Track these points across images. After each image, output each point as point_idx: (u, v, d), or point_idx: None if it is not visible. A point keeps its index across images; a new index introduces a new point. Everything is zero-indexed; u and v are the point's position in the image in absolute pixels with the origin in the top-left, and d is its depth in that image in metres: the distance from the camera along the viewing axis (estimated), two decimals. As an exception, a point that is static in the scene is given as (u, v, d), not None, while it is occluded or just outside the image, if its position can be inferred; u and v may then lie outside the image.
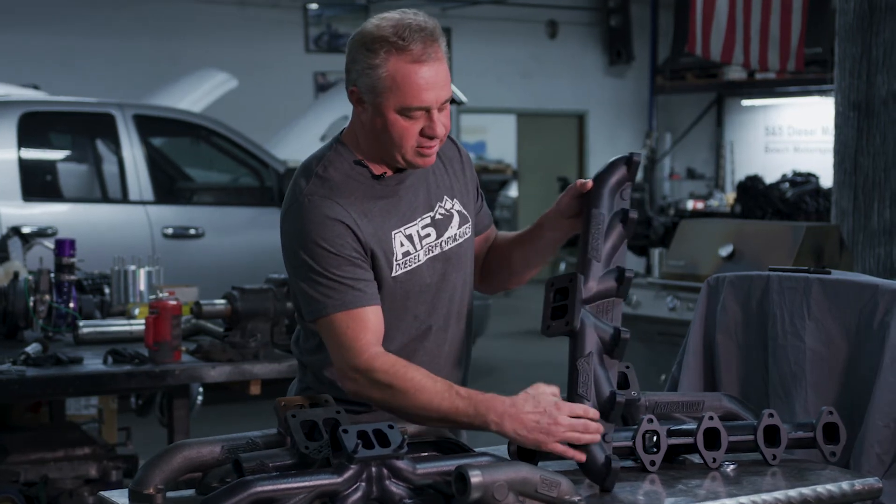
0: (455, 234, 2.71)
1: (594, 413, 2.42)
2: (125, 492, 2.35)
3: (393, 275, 2.60)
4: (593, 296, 2.58)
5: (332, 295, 2.52)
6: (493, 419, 2.42)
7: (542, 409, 2.41)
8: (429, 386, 2.45)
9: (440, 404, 2.44)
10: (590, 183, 2.69)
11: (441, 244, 2.68)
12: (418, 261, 2.64)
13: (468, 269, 2.76)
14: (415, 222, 2.65)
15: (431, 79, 2.53)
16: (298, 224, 2.56)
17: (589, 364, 2.48)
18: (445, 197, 2.72)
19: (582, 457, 2.39)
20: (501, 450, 2.53)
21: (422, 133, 2.56)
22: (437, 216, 2.69)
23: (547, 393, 2.44)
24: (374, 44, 2.52)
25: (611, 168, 2.72)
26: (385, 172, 2.63)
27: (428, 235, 2.66)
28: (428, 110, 2.55)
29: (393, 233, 2.61)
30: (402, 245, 2.62)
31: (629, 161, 2.71)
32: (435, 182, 2.72)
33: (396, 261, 2.60)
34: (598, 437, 2.40)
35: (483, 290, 2.95)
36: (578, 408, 2.41)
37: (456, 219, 2.72)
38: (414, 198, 2.67)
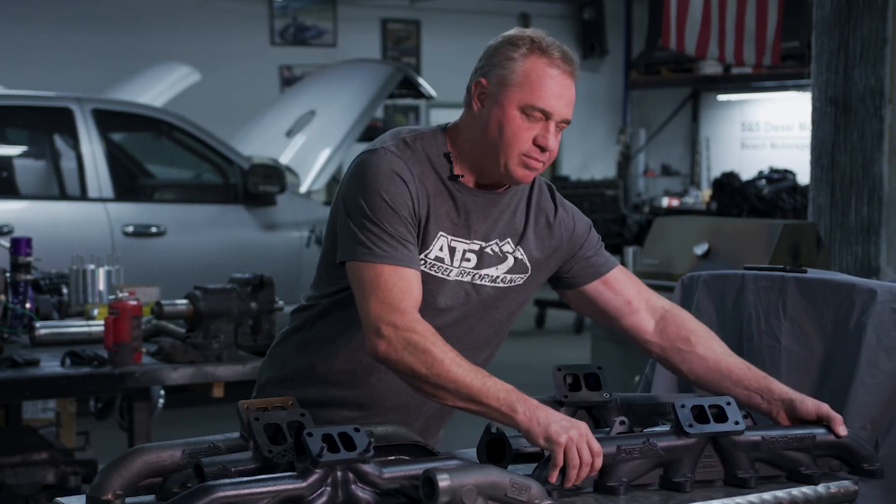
0: (497, 277, 2.69)
1: (598, 463, 2.37)
2: (83, 498, 2.34)
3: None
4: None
5: (383, 247, 2.52)
6: (524, 408, 2.39)
7: (573, 424, 2.38)
8: (464, 363, 2.44)
9: (473, 381, 2.41)
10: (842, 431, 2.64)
11: (474, 275, 2.66)
12: (447, 275, 2.63)
13: (498, 318, 2.74)
14: (463, 241, 2.64)
15: (563, 89, 2.60)
16: (366, 170, 2.57)
17: None
18: (508, 239, 2.70)
19: (553, 477, 2.34)
20: (470, 454, 2.53)
21: (534, 141, 2.58)
22: (489, 250, 2.67)
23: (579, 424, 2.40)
24: (518, 41, 2.60)
25: None
26: (461, 175, 2.64)
27: (468, 260, 2.65)
28: (548, 117, 2.58)
29: (440, 233, 2.62)
30: (440, 250, 2.62)
31: None
32: (508, 222, 2.71)
33: (427, 257, 2.60)
34: (582, 474, 2.35)
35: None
36: (598, 452, 2.36)
37: (508, 262, 2.70)
38: (477, 220, 2.66)
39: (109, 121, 8.00)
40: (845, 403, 3.18)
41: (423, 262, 2.59)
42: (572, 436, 2.33)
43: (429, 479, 2.14)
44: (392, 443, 2.44)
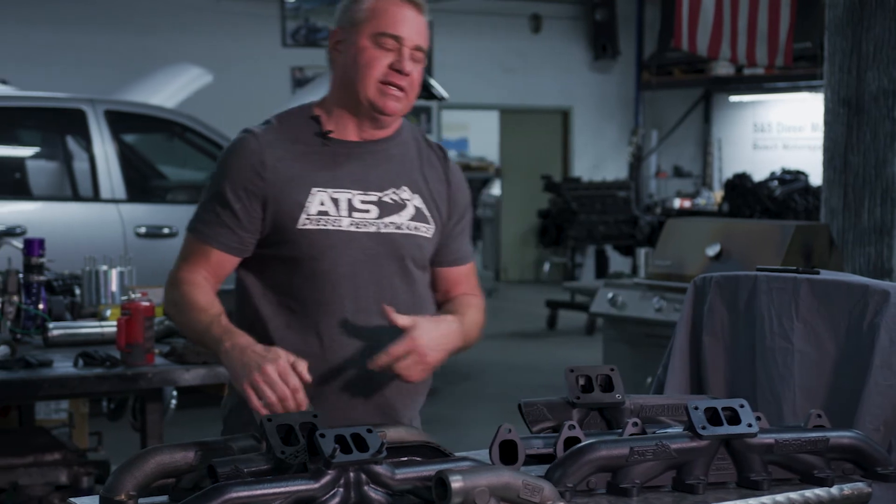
0: (402, 223, 2.76)
1: (296, 389, 2.47)
2: (96, 498, 2.35)
3: (298, 226, 2.69)
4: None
5: (206, 220, 2.74)
6: (227, 345, 2.56)
7: (268, 357, 2.49)
8: (202, 307, 2.67)
9: (202, 322, 2.65)
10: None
11: (379, 224, 2.74)
12: (338, 226, 2.70)
13: (415, 262, 2.80)
14: (349, 191, 2.73)
15: (409, 17, 2.72)
16: (222, 154, 2.78)
17: None
18: (405, 187, 2.79)
19: (262, 409, 2.43)
20: (483, 454, 2.53)
21: (390, 66, 2.69)
22: (387, 199, 2.76)
23: (283, 355, 2.50)
24: None
25: None
26: (330, 131, 2.74)
27: (367, 211, 2.73)
28: (400, 43, 2.69)
29: (314, 189, 2.70)
30: (321, 204, 2.70)
31: None
32: (399, 171, 2.79)
33: (307, 214, 2.69)
34: (274, 400, 2.44)
35: None
36: (292, 378, 2.47)
37: (409, 210, 2.78)
38: (361, 170, 2.75)
39: (122, 122, 8.03)
40: (858, 405, 3.18)
41: (306, 219, 2.69)
42: (256, 366, 2.46)
43: (441, 481, 2.14)
44: (405, 444, 2.45)
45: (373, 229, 2.73)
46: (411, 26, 2.71)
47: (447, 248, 2.89)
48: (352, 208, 2.72)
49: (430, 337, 2.66)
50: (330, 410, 2.61)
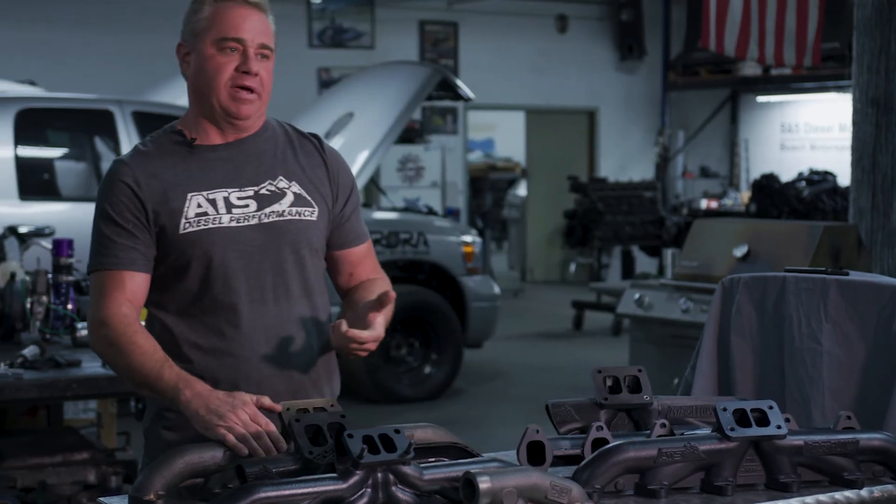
0: (283, 211, 2.81)
1: (268, 426, 2.45)
2: (125, 498, 2.36)
3: (181, 231, 2.73)
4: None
5: (103, 252, 2.73)
6: (187, 394, 2.54)
7: (231, 400, 2.49)
8: (147, 351, 2.64)
9: (149, 368, 2.61)
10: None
11: (261, 216, 2.78)
12: (218, 223, 2.75)
13: (305, 248, 2.84)
14: (224, 190, 2.78)
15: (248, 18, 2.76)
16: (100, 185, 2.83)
17: None
18: (280, 177, 2.84)
19: (243, 450, 2.40)
20: (511, 455, 2.53)
21: (237, 69, 2.74)
22: (264, 191, 2.81)
23: (244, 396, 2.52)
24: (199, 2, 2.80)
25: None
26: (194, 139, 2.80)
27: (246, 206, 2.78)
28: (243, 44, 2.74)
29: (189, 194, 2.75)
30: (198, 206, 2.75)
31: None
32: (272, 163, 2.85)
33: (186, 218, 2.74)
34: (254, 444, 2.41)
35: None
36: (261, 418, 2.47)
37: (289, 198, 2.83)
38: (232, 169, 2.80)
39: (149, 123, 8.04)
40: (888, 406, 3.16)
41: (186, 223, 2.73)
42: (223, 412, 2.46)
43: (469, 481, 2.14)
44: (432, 444, 2.45)
45: (255, 221, 2.78)
46: (252, 26, 2.76)
47: (342, 228, 2.93)
48: (230, 205, 2.78)
49: (380, 332, 2.72)
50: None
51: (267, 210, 2.80)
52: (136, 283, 2.74)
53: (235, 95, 2.76)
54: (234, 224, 2.76)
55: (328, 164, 2.92)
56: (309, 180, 2.87)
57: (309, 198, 2.85)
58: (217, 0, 2.77)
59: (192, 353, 2.76)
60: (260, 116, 2.86)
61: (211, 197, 2.77)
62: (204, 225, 2.75)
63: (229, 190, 2.79)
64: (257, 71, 2.76)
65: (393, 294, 2.75)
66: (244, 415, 2.46)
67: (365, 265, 2.96)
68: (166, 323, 2.80)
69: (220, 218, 2.76)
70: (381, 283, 2.90)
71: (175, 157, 2.79)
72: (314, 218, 2.85)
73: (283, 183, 2.83)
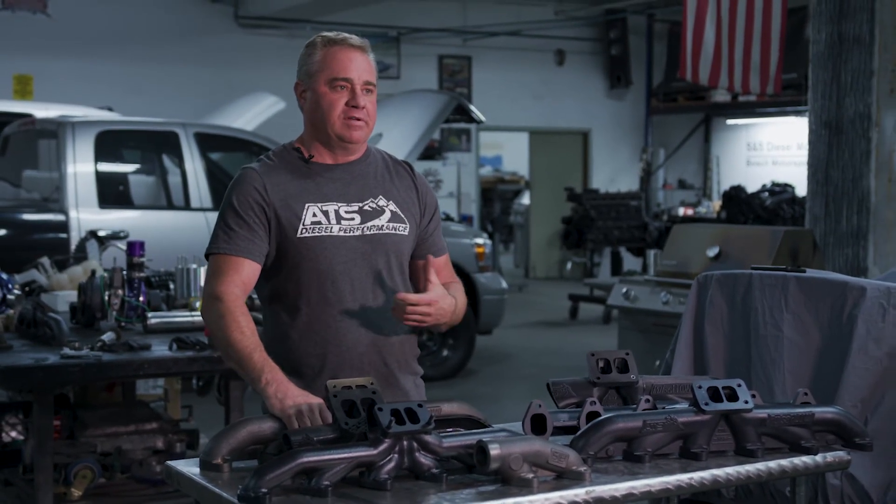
0: (382, 225, 2.83)
1: (323, 419, 2.44)
2: (190, 461, 2.36)
3: (298, 235, 2.75)
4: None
5: (224, 239, 2.74)
6: (269, 377, 2.54)
7: (308, 400, 2.48)
8: (247, 333, 2.63)
9: (242, 346, 2.60)
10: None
11: (363, 228, 2.81)
12: (330, 231, 2.77)
13: (394, 258, 2.85)
14: (335, 203, 2.80)
15: (354, 60, 2.79)
16: (230, 185, 2.82)
17: None
18: (381, 196, 2.86)
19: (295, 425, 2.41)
20: (517, 426, 2.53)
21: (347, 104, 2.77)
22: (367, 207, 2.84)
23: (316, 401, 2.49)
24: (313, 43, 2.85)
25: None
26: (311, 156, 2.83)
27: (352, 219, 2.81)
28: (351, 84, 2.77)
29: (307, 204, 2.78)
30: (314, 216, 2.77)
31: None
32: (374, 184, 2.87)
33: (304, 224, 2.75)
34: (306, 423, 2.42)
35: None
36: (319, 419, 2.44)
37: (387, 215, 2.85)
38: (342, 187, 2.83)
39: (208, 142, 8.07)
40: (839, 385, 3.16)
41: (303, 228, 2.75)
42: (303, 409, 2.44)
43: (482, 448, 2.15)
44: (450, 417, 2.45)
45: (359, 233, 2.80)
46: (357, 66, 2.79)
47: (426, 242, 2.95)
48: (339, 217, 2.80)
49: (440, 304, 2.73)
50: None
51: (369, 224, 2.82)
52: (249, 270, 2.74)
53: (348, 124, 2.79)
54: (342, 234, 2.79)
55: (418, 188, 2.94)
56: (402, 200, 2.90)
57: (403, 215, 2.88)
58: (327, 44, 2.81)
59: (301, 341, 2.76)
60: (365, 142, 2.88)
61: (324, 209, 2.79)
62: (318, 232, 2.77)
63: (339, 204, 2.81)
64: (364, 104, 2.80)
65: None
66: (312, 410, 2.45)
67: (442, 274, 2.94)
68: (280, 314, 2.80)
69: (332, 227, 2.78)
70: (454, 287, 2.91)
71: (295, 171, 2.82)
72: (406, 233, 2.87)
73: (382, 201, 2.86)
